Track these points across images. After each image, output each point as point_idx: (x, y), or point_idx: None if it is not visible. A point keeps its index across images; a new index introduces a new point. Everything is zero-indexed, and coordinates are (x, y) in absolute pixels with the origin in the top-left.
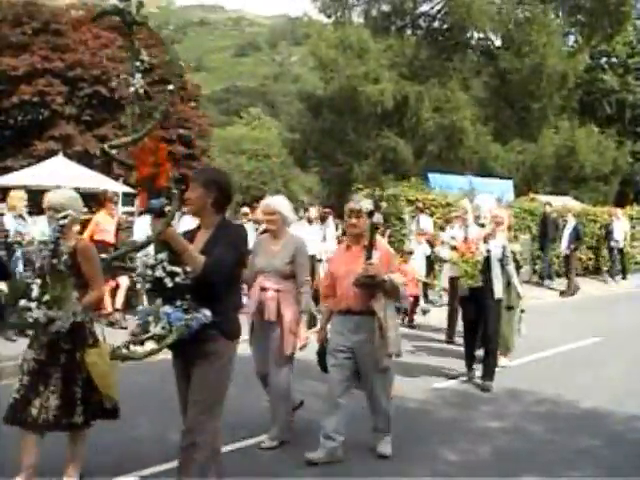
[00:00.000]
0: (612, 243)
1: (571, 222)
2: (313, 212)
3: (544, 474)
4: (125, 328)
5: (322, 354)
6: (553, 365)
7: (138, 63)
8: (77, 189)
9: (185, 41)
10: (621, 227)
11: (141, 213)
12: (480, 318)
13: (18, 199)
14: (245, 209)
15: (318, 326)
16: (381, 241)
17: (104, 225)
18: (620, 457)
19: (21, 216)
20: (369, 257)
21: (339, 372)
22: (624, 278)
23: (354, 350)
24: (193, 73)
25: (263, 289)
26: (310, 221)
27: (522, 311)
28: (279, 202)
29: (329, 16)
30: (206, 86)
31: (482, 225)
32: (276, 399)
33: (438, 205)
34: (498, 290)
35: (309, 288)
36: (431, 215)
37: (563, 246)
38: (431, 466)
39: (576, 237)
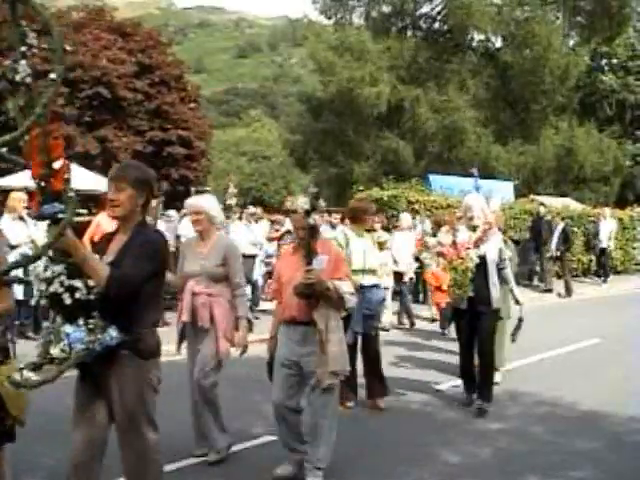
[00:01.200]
0: (596, 243)
1: (560, 225)
2: (335, 215)
3: (545, 476)
4: None
5: (272, 365)
6: (553, 367)
7: (24, 48)
8: (77, 190)
9: (185, 43)
10: (607, 228)
11: (35, 218)
12: (476, 331)
13: (18, 200)
14: (252, 209)
15: (254, 332)
16: (329, 244)
17: (105, 227)
18: (620, 459)
19: (21, 218)
20: (309, 262)
21: (281, 389)
22: (604, 282)
23: (300, 364)
24: (193, 74)
25: (194, 294)
26: (333, 226)
27: (520, 320)
28: (205, 201)
29: (329, 17)
30: (206, 88)
31: (474, 228)
32: (201, 406)
33: (439, 207)
34: (495, 299)
35: (244, 291)
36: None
37: (552, 248)
38: (432, 467)
39: (565, 239)
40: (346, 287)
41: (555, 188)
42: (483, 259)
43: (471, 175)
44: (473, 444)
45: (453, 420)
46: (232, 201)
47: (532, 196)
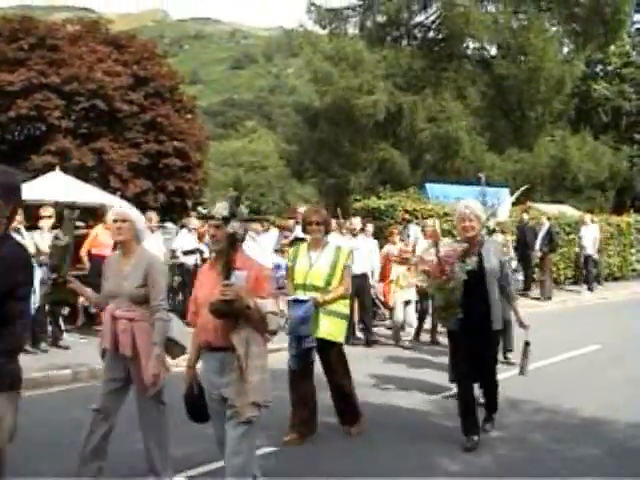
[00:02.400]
0: (578, 250)
1: (545, 225)
2: (357, 222)
3: None
4: None
5: (190, 399)
6: (553, 373)
7: None
8: (74, 203)
9: (181, 54)
10: (590, 234)
11: None
12: (478, 357)
13: None
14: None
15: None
16: (249, 257)
17: (102, 239)
18: (621, 465)
19: (18, 230)
20: (227, 277)
21: (216, 427)
22: (590, 289)
23: (223, 396)
24: (189, 86)
25: (114, 319)
26: (355, 234)
27: (527, 344)
28: (134, 212)
29: (324, 27)
30: (202, 99)
31: (468, 240)
32: (148, 438)
33: (435, 215)
34: (497, 319)
35: (164, 314)
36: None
37: (537, 248)
38: (432, 476)
39: (549, 240)
40: (270, 306)
41: (551, 195)
42: (476, 273)
43: (476, 182)
44: (474, 452)
45: (453, 429)
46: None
47: (529, 203)
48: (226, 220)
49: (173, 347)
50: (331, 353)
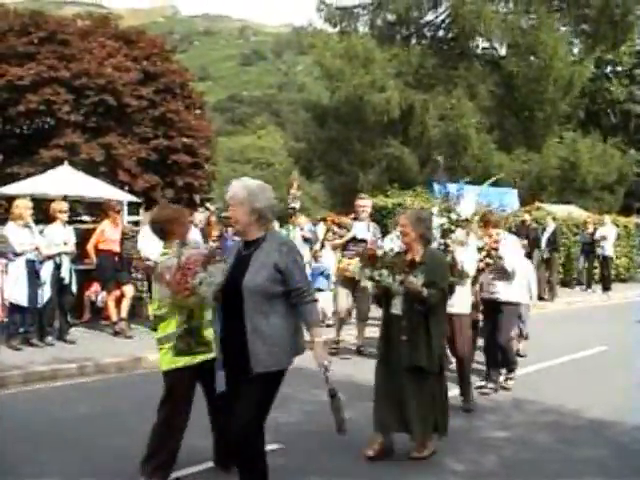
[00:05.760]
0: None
1: (551, 226)
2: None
3: None
4: (130, 337)
5: None
6: (558, 374)
7: None
8: (82, 198)
9: (190, 50)
10: (609, 234)
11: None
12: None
13: (24, 208)
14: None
15: None
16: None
17: (109, 234)
18: (626, 467)
19: (27, 225)
20: None
21: None
22: (606, 289)
23: None
24: (198, 82)
25: None
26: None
27: (333, 395)
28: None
29: (334, 25)
30: (211, 95)
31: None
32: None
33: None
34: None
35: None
36: None
37: (542, 248)
38: (437, 476)
39: (553, 241)
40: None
41: (559, 196)
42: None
43: (472, 182)
44: (478, 452)
45: (458, 428)
46: (296, 204)
47: (537, 204)
48: None
49: None
50: None
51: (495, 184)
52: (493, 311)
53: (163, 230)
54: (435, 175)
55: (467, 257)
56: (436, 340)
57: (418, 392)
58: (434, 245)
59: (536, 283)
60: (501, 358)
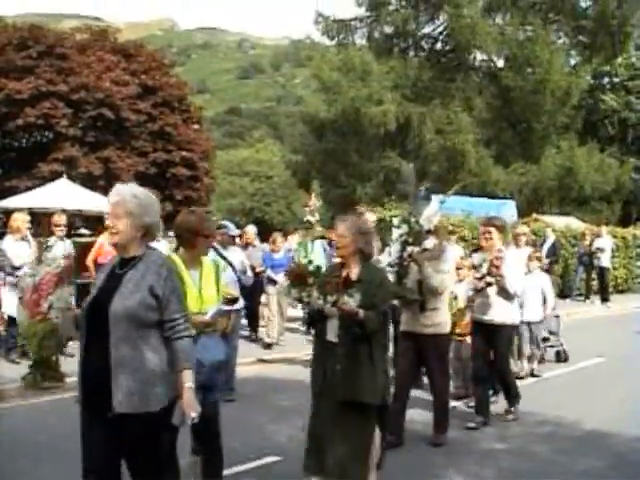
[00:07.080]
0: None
1: (550, 238)
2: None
3: None
4: None
5: None
6: (557, 385)
7: None
8: (80, 211)
9: (188, 63)
10: (606, 245)
11: None
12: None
13: (22, 221)
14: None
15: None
16: None
17: (108, 248)
18: (624, 478)
19: (24, 238)
20: None
21: None
22: (604, 300)
23: None
24: (196, 95)
25: None
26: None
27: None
28: None
29: (332, 38)
30: (210, 108)
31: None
32: None
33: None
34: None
35: None
36: None
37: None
38: None
39: (553, 252)
40: None
41: (558, 208)
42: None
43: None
44: (477, 464)
45: (457, 440)
46: (313, 217)
47: (535, 215)
48: None
49: None
50: None
51: (493, 196)
52: (487, 334)
53: (183, 239)
54: (403, 184)
55: (449, 274)
56: (379, 369)
57: (349, 433)
58: (391, 258)
59: (552, 295)
60: (501, 386)
